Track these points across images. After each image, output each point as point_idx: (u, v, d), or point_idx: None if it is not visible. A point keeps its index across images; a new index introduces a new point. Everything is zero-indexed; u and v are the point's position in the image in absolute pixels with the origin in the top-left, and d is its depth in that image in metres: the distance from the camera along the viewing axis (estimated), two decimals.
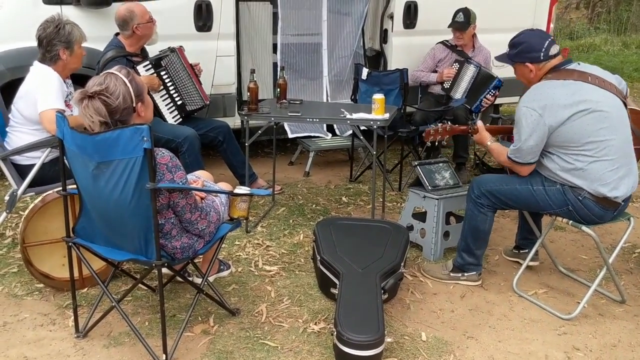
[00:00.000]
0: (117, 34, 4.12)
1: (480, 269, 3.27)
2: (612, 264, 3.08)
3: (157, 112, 4.14)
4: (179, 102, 4.23)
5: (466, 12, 5.07)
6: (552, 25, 6.37)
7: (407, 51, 5.55)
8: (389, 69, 5.48)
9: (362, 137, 3.81)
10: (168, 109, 4.19)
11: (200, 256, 2.85)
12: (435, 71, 5.19)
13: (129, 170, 2.28)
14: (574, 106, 2.79)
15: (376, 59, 5.85)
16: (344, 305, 2.63)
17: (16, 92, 4.05)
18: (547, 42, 2.92)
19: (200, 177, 2.92)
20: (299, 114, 3.68)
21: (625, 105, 2.95)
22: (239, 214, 2.59)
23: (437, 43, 5.32)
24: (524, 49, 2.95)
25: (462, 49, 5.21)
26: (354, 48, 5.76)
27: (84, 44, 3.50)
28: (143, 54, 4.21)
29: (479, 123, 3.23)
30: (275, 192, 4.66)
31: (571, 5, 21.86)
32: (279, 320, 2.85)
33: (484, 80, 5.06)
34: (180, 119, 4.23)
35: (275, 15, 5.37)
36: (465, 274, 3.26)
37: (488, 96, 4.99)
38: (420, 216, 3.67)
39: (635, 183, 2.94)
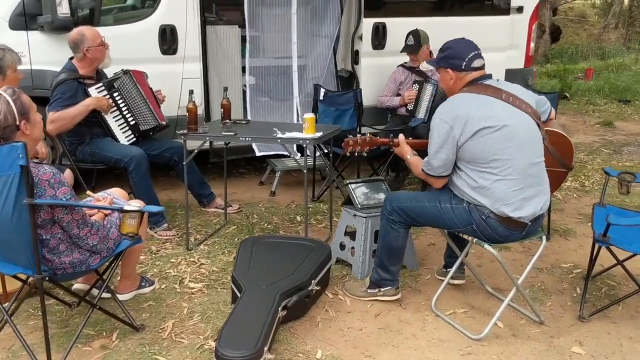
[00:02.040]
0: (71, 58, 4.26)
1: (396, 284, 3.24)
2: (523, 283, 3.02)
3: (109, 132, 4.26)
4: (132, 122, 4.33)
5: (416, 34, 5.11)
6: (532, 45, 6.31)
7: (377, 72, 5.59)
8: (362, 88, 5.52)
9: (301, 155, 3.84)
10: (121, 129, 4.30)
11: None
12: (399, 94, 5.22)
13: (8, 186, 2.37)
14: (482, 121, 2.77)
15: (350, 80, 5.90)
16: (231, 321, 2.65)
17: None
18: (473, 53, 2.90)
19: (110, 195, 2.99)
20: (233, 134, 3.74)
21: (539, 126, 2.91)
22: (127, 230, 2.65)
23: (398, 66, 5.35)
24: (449, 55, 2.95)
25: (420, 69, 5.21)
26: (325, 69, 5.82)
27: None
28: (98, 77, 4.34)
29: (400, 137, 3.23)
30: (232, 211, 4.71)
31: (609, 25, 21.59)
32: (181, 337, 2.88)
33: (443, 96, 5.02)
34: (134, 139, 4.33)
35: (244, 38, 5.47)
36: (382, 289, 3.23)
37: None
38: (353, 234, 3.66)
39: (545, 204, 2.89)
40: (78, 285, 3.15)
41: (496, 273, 3.64)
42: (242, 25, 5.42)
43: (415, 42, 5.06)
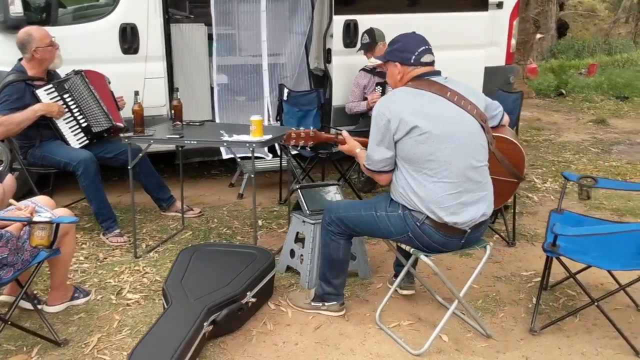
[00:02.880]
0: (20, 59, 4.13)
1: (341, 299, 3.08)
2: (478, 292, 2.85)
3: (59, 135, 4.13)
4: (83, 125, 4.20)
5: (370, 32, 4.97)
6: (513, 41, 6.11)
7: (349, 70, 5.41)
8: (334, 90, 5.37)
9: (273, 157, 3.69)
10: (72, 132, 4.16)
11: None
12: (366, 98, 5.06)
13: None
14: (418, 118, 2.61)
15: (324, 79, 5.74)
16: (146, 339, 2.52)
17: None
18: (423, 48, 2.75)
19: (34, 203, 2.86)
20: (178, 137, 3.60)
21: (484, 129, 2.74)
22: (36, 242, 2.51)
23: (360, 70, 5.19)
24: (398, 48, 2.79)
25: (382, 70, 5.06)
26: (297, 68, 5.66)
27: None
28: (50, 78, 4.21)
29: (344, 133, 3.06)
30: (193, 215, 4.57)
31: (620, 20, 21.24)
32: (103, 352, 2.75)
33: None
34: (87, 141, 4.20)
35: (211, 36, 5.33)
36: (326, 304, 3.08)
37: None
38: (304, 241, 3.51)
39: (487, 211, 2.72)
40: (3, 297, 3.02)
41: (452, 281, 3.46)
42: (210, 23, 5.28)
43: (370, 40, 4.90)
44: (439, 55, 5.45)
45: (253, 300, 2.95)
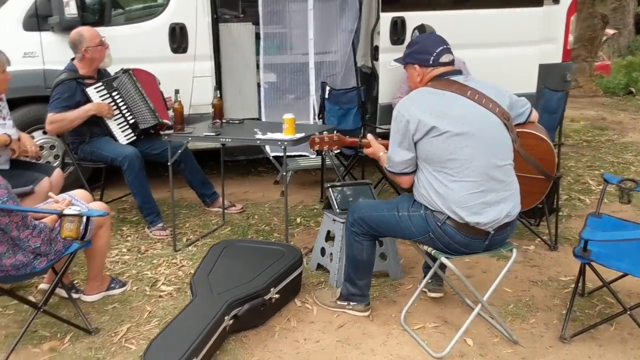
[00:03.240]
0: (73, 58, 4.32)
1: (366, 300, 3.07)
2: (512, 297, 2.78)
3: (108, 132, 4.30)
4: (131, 121, 4.35)
5: (421, 28, 4.88)
6: (571, 37, 5.89)
7: (396, 68, 5.34)
8: (380, 87, 5.34)
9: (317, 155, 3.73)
10: (120, 128, 4.32)
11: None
12: None
13: None
14: (439, 118, 2.57)
15: (371, 76, 5.72)
16: (165, 331, 2.59)
17: None
18: (441, 48, 2.71)
19: (72, 197, 2.99)
20: (214, 134, 3.67)
21: (508, 127, 2.67)
22: (65, 234, 2.62)
23: None
24: (416, 50, 2.77)
25: None
26: (344, 66, 5.66)
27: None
28: (100, 76, 4.37)
29: (369, 136, 3.05)
30: (234, 212, 4.65)
31: None
32: (131, 342, 2.85)
33: None
34: (134, 137, 4.34)
35: (258, 35, 5.41)
36: (351, 304, 3.07)
37: None
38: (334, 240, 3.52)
39: (512, 211, 2.65)
40: (43, 285, 3.18)
41: (486, 285, 3.39)
42: (257, 22, 5.35)
43: None
44: (490, 52, 5.45)
45: (277, 296, 2.98)
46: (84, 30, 4.25)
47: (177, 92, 3.87)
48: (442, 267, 3.07)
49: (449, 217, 2.60)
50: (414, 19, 5.26)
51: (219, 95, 4.11)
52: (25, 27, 4.71)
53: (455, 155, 2.57)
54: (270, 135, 3.54)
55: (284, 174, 3.63)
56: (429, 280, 3.15)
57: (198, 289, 2.89)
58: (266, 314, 2.96)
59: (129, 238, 4.17)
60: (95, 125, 4.28)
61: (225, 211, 4.61)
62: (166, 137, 3.79)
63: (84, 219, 2.68)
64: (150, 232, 4.21)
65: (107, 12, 4.88)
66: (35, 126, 4.70)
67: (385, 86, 5.31)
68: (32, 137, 4.60)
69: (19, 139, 3.71)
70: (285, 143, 3.48)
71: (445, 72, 2.72)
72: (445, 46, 2.74)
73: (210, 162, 5.36)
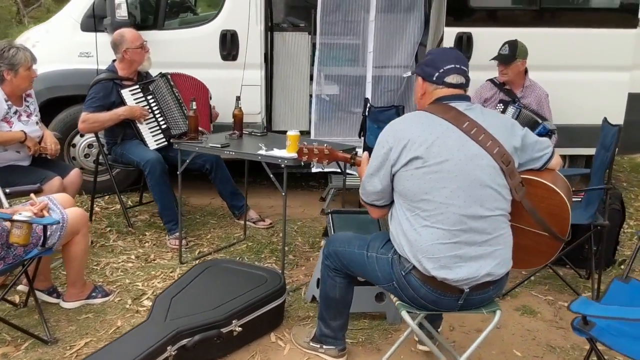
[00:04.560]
0: (114, 60, 4.34)
1: (340, 344, 2.74)
2: None
3: (138, 135, 4.27)
4: (163, 126, 4.29)
5: (513, 44, 4.39)
6: None
7: None
8: None
9: None
10: (151, 132, 4.27)
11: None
12: None
13: None
14: (422, 148, 2.22)
15: None
16: (102, 350, 2.46)
17: (56, 111, 4.50)
18: (450, 66, 2.34)
19: (51, 200, 2.93)
20: (219, 147, 3.50)
21: (504, 172, 2.25)
22: (13, 240, 2.54)
23: (486, 80, 4.67)
24: (425, 62, 2.44)
25: (511, 88, 4.51)
26: (404, 82, 5.31)
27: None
28: (140, 79, 4.36)
29: (365, 154, 2.71)
30: (262, 227, 4.47)
31: None
32: (82, 357, 2.71)
33: (525, 125, 4.28)
34: (165, 142, 4.28)
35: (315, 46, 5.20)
36: (324, 347, 2.76)
37: None
38: None
39: (494, 270, 2.23)
40: (20, 287, 3.15)
41: (493, 344, 2.95)
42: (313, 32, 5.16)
43: (510, 53, 4.35)
44: (572, 76, 4.87)
45: (239, 329, 2.73)
46: (126, 31, 4.25)
47: (238, 98, 3.79)
48: (433, 319, 2.70)
49: (414, 267, 2.23)
50: (482, 35, 4.82)
51: (239, 106, 3.93)
52: (83, 28, 4.81)
53: (431, 195, 2.20)
54: (272, 152, 3.31)
55: (284, 194, 3.36)
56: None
57: (154, 311, 2.72)
58: (227, 347, 2.73)
59: (145, 244, 4.11)
60: (129, 127, 4.26)
61: (253, 225, 4.43)
62: (176, 145, 3.67)
63: (37, 226, 2.58)
64: (168, 240, 4.12)
65: (160, 15, 4.86)
66: None
67: None
68: (82, 135, 4.72)
69: (41, 137, 3.74)
70: (285, 161, 3.23)
71: (448, 96, 2.34)
72: (457, 65, 2.36)
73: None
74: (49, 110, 4.78)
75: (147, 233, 4.29)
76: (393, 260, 2.31)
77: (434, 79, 2.34)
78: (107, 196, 4.83)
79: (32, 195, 2.98)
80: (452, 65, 2.33)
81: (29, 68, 3.58)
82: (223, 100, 4.72)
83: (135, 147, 4.22)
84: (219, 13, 4.85)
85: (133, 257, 3.87)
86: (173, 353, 2.53)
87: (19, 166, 3.63)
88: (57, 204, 2.94)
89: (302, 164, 3.04)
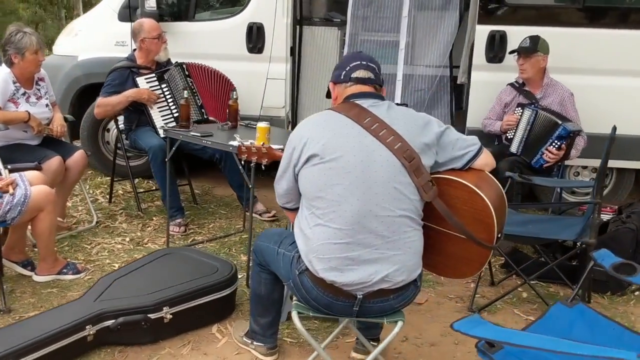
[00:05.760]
0: (134, 49, 4.49)
1: (269, 342, 2.65)
2: None
3: (150, 122, 4.38)
4: (175, 114, 4.38)
5: (534, 37, 4.13)
6: None
7: (490, 89, 4.65)
8: (469, 108, 4.74)
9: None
10: (163, 120, 4.37)
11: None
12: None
13: None
14: (319, 146, 2.12)
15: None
16: (21, 323, 2.52)
17: (92, 97, 4.74)
18: (356, 63, 2.26)
19: (21, 177, 3.07)
20: (200, 136, 3.51)
21: (407, 169, 2.09)
22: None
23: (507, 84, 4.39)
24: (335, 66, 2.37)
25: (530, 90, 4.21)
26: (436, 81, 5.08)
27: None
28: (158, 68, 4.47)
29: None
30: (267, 219, 4.45)
31: None
32: None
33: (543, 127, 4.01)
34: None
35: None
36: (254, 343, 2.69)
37: (551, 148, 3.92)
38: None
39: (393, 276, 2.08)
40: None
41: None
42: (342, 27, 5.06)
43: (531, 45, 4.08)
44: (619, 82, 4.44)
45: (170, 317, 2.72)
46: (144, 21, 4.38)
47: (234, 90, 3.90)
48: (367, 327, 2.56)
49: (306, 265, 2.12)
50: (518, 35, 4.48)
51: (235, 97, 3.92)
52: (120, 18, 5.02)
53: (324, 193, 2.08)
54: (232, 142, 3.26)
55: (250, 186, 3.31)
56: (356, 339, 2.63)
57: (90, 290, 2.78)
58: (157, 333, 2.72)
59: (148, 229, 4.22)
60: (143, 114, 4.39)
61: (259, 217, 4.43)
62: (163, 133, 3.73)
63: None
64: (169, 226, 4.20)
65: (191, 7, 4.97)
66: None
67: (475, 108, 4.66)
68: None
69: (51, 119, 3.94)
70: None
71: (355, 94, 2.23)
72: (363, 62, 2.26)
73: None
74: (88, 95, 5.04)
75: (154, 218, 4.40)
76: (293, 259, 2.21)
77: (342, 77, 2.26)
78: (136, 180, 4.98)
79: (2, 170, 3.11)
80: (358, 62, 2.25)
81: (36, 52, 3.73)
82: (248, 92, 4.76)
83: (144, 133, 4.33)
84: (247, 5, 4.88)
85: (128, 239, 3.98)
86: (92, 332, 2.56)
87: (24, 145, 3.82)
88: (26, 181, 3.07)
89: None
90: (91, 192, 4.87)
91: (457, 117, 5.07)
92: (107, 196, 4.71)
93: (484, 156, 2.24)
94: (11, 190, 2.93)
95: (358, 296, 2.08)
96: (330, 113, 2.22)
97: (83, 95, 5.13)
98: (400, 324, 2.14)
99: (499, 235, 2.24)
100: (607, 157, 3.20)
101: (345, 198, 2.05)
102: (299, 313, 2.18)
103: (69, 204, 4.55)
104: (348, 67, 2.25)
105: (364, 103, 2.18)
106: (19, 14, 19.13)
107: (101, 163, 5.21)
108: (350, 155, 2.07)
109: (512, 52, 4.24)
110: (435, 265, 2.34)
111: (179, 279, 2.87)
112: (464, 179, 2.18)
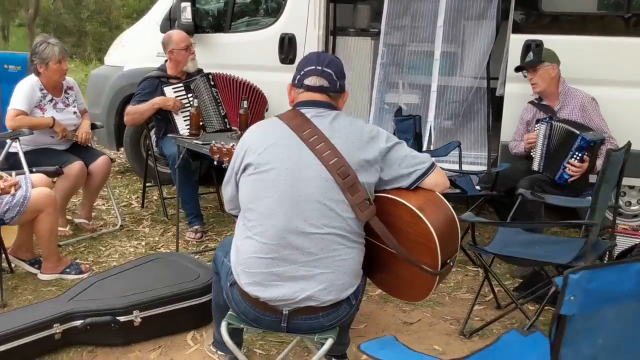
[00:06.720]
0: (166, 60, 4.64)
1: (230, 352, 2.62)
2: None
3: (175, 130, 4.50)
4: (200, 123, 4.47)
5: (537, 49, 3.97)
6: None
7: (525, 102, 4.42)
8: (503, 121, 4.53)
9: None
10: (187, 128, 4.47)
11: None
12: None
13: None
14: (253, 156, 2.10)
15: None
16: None
17: None
18: (311, 67, 2.17)
19: (25, 179, 3.23)
20: (201, 144, 3.57)
21: (340, 185, 2.01)
22: None
23: (528, 102, 4.16)
24: (296, 66, 2.31)
25: (548, 103, 3.99)
26: (472, 92, 4.90)
27: None
28: (189, 78, 4.58)
29: None
30: None
31: None
32: None
33: (561, 139, 3.76)
34: None
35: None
36: (219, 352, 2.68)
37: (572, 161, 3.67)
38: None
39: (319, 295, 2.00)
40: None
41: None
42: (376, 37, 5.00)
43: (535, 57, 3.87)
44: (629, 91, 4.10)
45: (139, 320, 2.75)
46: (174, 33, 4.51)
47: (244, 100, 3.94)
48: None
49: (234, 277, 2.09)
50: (555, 44, 4.22)
51: (245, 106, 3.95)
52: (162, 30, 5.20)
53: (254, 205, 2.05)
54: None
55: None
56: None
57: (69, 290, 2.87)
58: (127, 336, 2.76)
59: (168, 234, 4.32)
60: (170, 123, 4.51)
61: None
62: (174, 140, 3.81)
63: None
64: (187, 232, 4.29)
65: (227, 19, 5.08)
66: None
67: (509, 121, 4.44)
68: None
69: (77, 125, 4.14)
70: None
71: (305, 101, 2.18)
72: (318, 67, 2.18)
73: None
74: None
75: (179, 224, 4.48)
76: (229, 270, 2.17)
77: (296, 82, 2.20)
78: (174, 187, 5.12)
79: (1, 173, 3.28)
80: (313, 67, 2.15)
81: (59, 62, 3.92)
82: (280, 102, 4.78)
83: (169, 140, 4.44)
84: (279, 17, 4.92)
85: (143, 243, 4.09)
86: (59, 331, 2.64)
87: (51, 149, 4.03)
88: (28, 183, 3.23)
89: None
90: (128, 196, 5.05)
91: (494, 131, 4.85)
92: (141, 201, 4.87)
93: (434, 175, 2.11)
94: (12, 191, 3.09)
95: (284, 312, 2.01)
96: (275, 121, 2.16)
97: (128, 104, 5.34)
98: (330, 341, 2.05)
99: (449, 262, 2.11)
100: (622, 175, 2.94)
101: (273, 211, 2.00)
102: (229, 324, 2.14)
103: (102, 207, 4.75)
104: (302, 72, 2.17)
105: (308, 113, 2.11)
106: (123, 29, 20.33)
107: (142, 169, 5.39)
108: (282, 168, 2.01)
109: (517, 69, 4.02)
110: (385, 284, 2.24)
111: (156, 284, 2.90)
112: (407, 200, 2.06)
